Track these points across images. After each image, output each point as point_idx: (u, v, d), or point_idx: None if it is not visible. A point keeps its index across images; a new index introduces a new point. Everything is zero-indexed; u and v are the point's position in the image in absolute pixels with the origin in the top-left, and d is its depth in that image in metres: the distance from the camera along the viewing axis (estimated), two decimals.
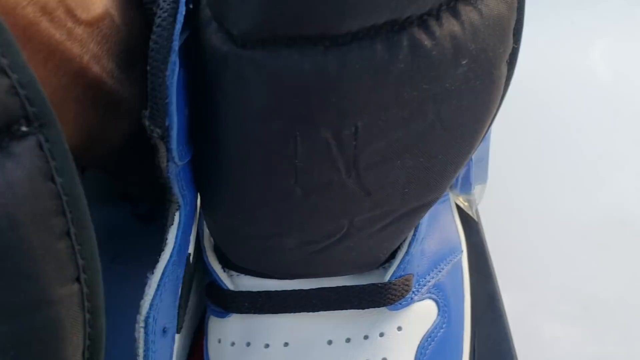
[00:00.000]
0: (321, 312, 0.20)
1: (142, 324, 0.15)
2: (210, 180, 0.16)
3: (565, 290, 0.33)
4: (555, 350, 0.31)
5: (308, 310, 0.19)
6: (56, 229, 0.11)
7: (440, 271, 0.22)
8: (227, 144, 0.15)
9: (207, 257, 0.20)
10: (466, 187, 0.25)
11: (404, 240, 0.19)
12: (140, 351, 0.16)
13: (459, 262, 0.24)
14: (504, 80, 0.15)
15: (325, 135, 0.14)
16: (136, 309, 0.16)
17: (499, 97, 0.15)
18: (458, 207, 0.26)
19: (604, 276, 0.33)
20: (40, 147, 0.11)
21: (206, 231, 0.20)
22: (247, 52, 0.13)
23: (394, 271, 0.19)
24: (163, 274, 0.16)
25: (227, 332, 0.20)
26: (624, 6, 0.45)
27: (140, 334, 0.15)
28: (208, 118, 0.15)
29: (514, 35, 0.14)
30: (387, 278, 0.19)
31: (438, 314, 0.21)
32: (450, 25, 0.13)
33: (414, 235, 0.19)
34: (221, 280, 0.19)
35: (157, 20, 0.14)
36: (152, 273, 0.16)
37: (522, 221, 0.35)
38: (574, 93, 0.40)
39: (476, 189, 0.25)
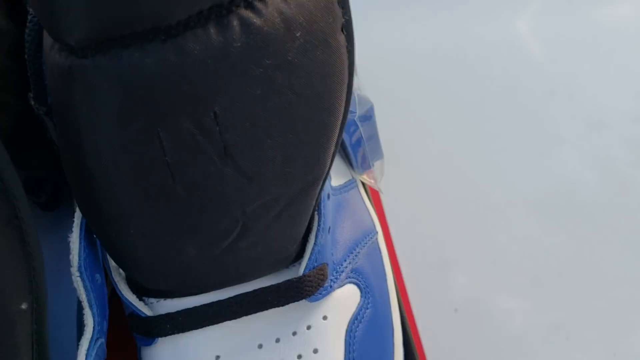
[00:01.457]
0: (245, 318, 0.20)
1: (77, 274, 0.18)
2: (91, 203, 0.16)
3: (513, 264, 0.34)
4: (510, 324, 0.33)
5: (230, 319, 0.19)
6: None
7: (356, 255, 0.23)
8: (94, 159, 0.15)
9: (119, 290, 0.19)
10: (365, 165, 0.26)
11: (310, 232, 0.20)
12: (83, 296, 0.18)
13: (375, 243, 0.25)
14: (345, 49, 0.16)
15: (187, 126, 0.14)
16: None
17: (346, 66, 0.16)
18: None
19: (550, 246, 0.35)
20: None
21: (113, 263, 0.20)
22: (89, 61, 0.13)
23: (307, 264, 0.20)
24: (80, 229, 0.18)
25: (158, 359, 0.20)
26: None
27: (78, 282, 0.18)
28: (71, 142, 0.15)
29: (341, 6, 0.15)
30: (301, 272, 0.20)
31: (361, 296, 0.22)
32: (274, 2, 0.14)
33: (319, 225, 0.20)
34: (139, 309, 0.19)
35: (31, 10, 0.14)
36: (71, 231, 0.18)
37: (463, 198, 0.36)
38: (505, 69, 0.41)
39: (376, 165, 0.26)
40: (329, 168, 0.18)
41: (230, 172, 0.15)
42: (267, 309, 0.20)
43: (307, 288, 0.20)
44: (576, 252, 0.35)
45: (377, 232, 0.25)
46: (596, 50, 0.42)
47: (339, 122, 0.17)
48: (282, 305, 0.20)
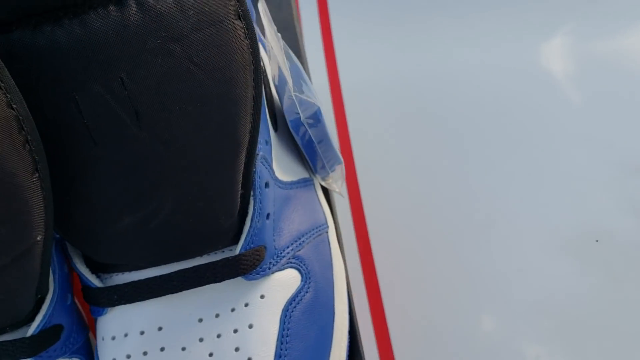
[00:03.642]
0: (188, 294, 0.22)
1: None
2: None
3: (540, 307, 0.33)
4: None
5: (172, 292, 0.21)
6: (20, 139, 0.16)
7: (301, 244, 0.25)
8: (38, 123, 0.18)
9: (74, 263, 0.22)
10: (322, 171, 0.28)
11: (247, 215, 0.22)
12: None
13: (325, 236, 0.26)
14: (243, 33, 0.19)
15: (98, 90, 0.17)
16: None
17: (246, 47, 0.19)
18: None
19: (580, 291, 0.34)
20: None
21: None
22: (14, 35, 0.16)
23: (242, 244, 0.22)
24: None
25: (107, 328, 0.22)
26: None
27: None
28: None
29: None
30: (237, 251, 0.22)
31: (301, 280, 0.24)
32: None
33: (254, 209, 0.22)
34: (90, 281, 0.22)
35: None
36: None
37: (493, 237, 0.36)
38: (540, 114, 0.42)
39: (336, 170, 0.28)
40: (252, 146, 0.20)
41: (146, 136, 0.18)
42: (205, 284, 0.21)
43: (243, 266, 0.22)
44: (607, 299, 0.34)
45: (327, 227, 0.27)
46: (631, 92, 0.42)
47: (248, 97, 0.19)
48: (219, 281, 0.22)
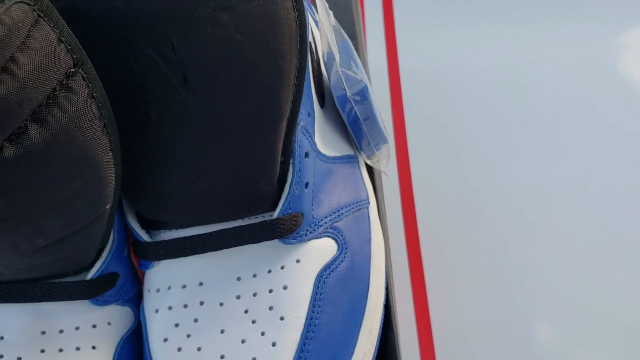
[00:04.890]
0: (228, 254, 0.23)
1: None
2: None
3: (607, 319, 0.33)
4: None
5: (213, 250, 0.23)
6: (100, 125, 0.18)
7: (339, 216, 0.25)
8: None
9: (127, 218, 0.24)
10: (368, 149, 0.28)
11: (285, 183, 0.23)
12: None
13: (365, 211, 0.27)
14: (290, 4, 0.19)
15: (150, 53, 0.18)
16: None
17: (293, 19, 0.20)
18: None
19: None
20: (83, 78, 0.17)
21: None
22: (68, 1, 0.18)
23: (280, 209, 0.23)
24: None
25: (153, 281, 0.24)
26: None
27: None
28: None
29: None
30: (275, 215, 0.23)
31: (337, 250, 0.24)
32: None
33: (293, 177, 0.23)
34: (140, 236, 0.23)
35: None
36: None
37: (563, 246, 0.36)
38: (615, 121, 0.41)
39: (381, 149, 0.29)
40: (293, 116, 0.21)
41: (193, 100, 0.19)
42: (243, 244, 0.23)
43: (280, 230, 0.23)
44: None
45: (369, 203, 0.27)
46: None
47: (292, 68, 0.20)
48: (257, 242, 0.23)
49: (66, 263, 0.21)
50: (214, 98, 0.20)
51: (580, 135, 0.41)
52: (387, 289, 0.27)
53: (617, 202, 0.38)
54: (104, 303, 0.23)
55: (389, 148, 0.29)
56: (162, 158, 0.21)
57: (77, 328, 0.22)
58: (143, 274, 0.25)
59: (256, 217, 0.24)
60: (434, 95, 0.45)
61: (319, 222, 0.24)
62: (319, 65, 0.27)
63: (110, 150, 0.19)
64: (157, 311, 0.23)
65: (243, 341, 0.22)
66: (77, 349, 0.22)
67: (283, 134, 0.22)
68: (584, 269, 0.35)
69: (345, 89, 0.25)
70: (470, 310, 0.35)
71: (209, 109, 0.20)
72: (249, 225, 0.23)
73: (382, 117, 0.30)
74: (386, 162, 0.30)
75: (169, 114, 0.20)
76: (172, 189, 0.22)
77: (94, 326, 0.23)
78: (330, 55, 0.26)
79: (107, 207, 0.20)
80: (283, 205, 0.23)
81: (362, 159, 0.29)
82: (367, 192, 0.28)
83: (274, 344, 0.22)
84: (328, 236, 0.25)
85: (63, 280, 0.22)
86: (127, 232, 0.24)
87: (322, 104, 0.27)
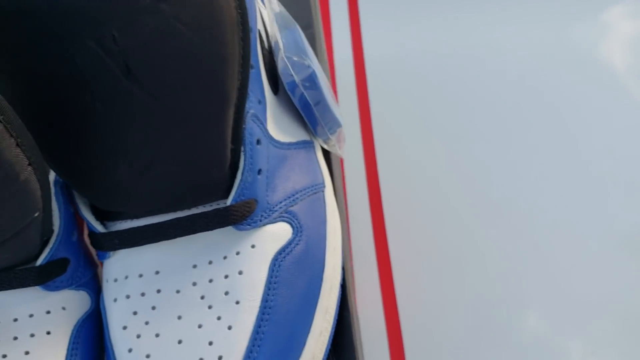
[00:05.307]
0: (184, 242, 0.24)
1: None
2: (43, 130, 0.21)
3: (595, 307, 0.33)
4: None
5: (167, 238, 0.23)
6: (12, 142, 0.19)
7: (294, 200, 0.26)
8: (29, 83, 0.19)
9: (80, 210, 0.24)
10: (322, 133, 0.29)
11: (238, 170, 0.23)
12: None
13: (321, 194, 0.28)
14: (232, 1, 0.20)
15: (92, 45, 0.19)
16: None
17: (233, 7, 0.20)
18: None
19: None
20: None
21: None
22: None
23: (233, 196, 0.23)
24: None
25: (110, 271, 0.24)
26: None
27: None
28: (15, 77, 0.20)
29: None
30: (228, 202, 0.23)
31: (292, 233, 0.25)
32: None
33: (245, 164, 0.23)
34: (94, 227, 0.24)
35: None
36: None
37: (550, 233, 0.36)
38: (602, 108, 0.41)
39: (336, 133, 0.29)
40: (241, 103, 0.22)
41: (138, 90, 0.20)
42: (197, 232, 0.23)
43: (233, 217, 0.23)
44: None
45: (324, 187, 0.28)
46: None
47: (236, 55, 0.21)
48: (210, 230, 0.23)
49: (9, 261, 0.22)
50: (158, 88, 0.20)
51: (548, 117, 0.41)
52: (343, 268, 0.27)
53: (583, 184, 0.39)
54: (57, 288, 0.23)
55: (343, 132, 0.30)
56: (110, 149, 0.21)
57: (31, 315, 0.23)
58: (102, 264, 0.25)
59: (211, 205, 0.24)
60: (400, 83, 0.45)
61: (273, 208, 0.25)
62: (270, 52, 0.28)
63: (30, 164, 0.19)
64: (115, 300, 0.24)
65: (200, 326, 0.22)
66: (32, 335, 0.22)
67: (231, 121, 0.22)
68: (550, 250, 0.36)
69: (293, 75, 0.26)
70: (437, 291, 0.36)
71: (154, 98, 0.20)
72: (202, 213, 0.23)
73: (335, 101, 0.31)
74: (341, 145, 0.30)
75: (115, 105, 0.20)
76: (122, 179, 0.22)
77: (48, 312, 0.23)
78: (276, 43, 0.27)
79: (36, 214, 0.21)
80: (236, 192, 0.23)
81: (318, 144, 0.30)
82: (322, 176, 0.28)
83: (229, 328, 0.22)
84: (283, 220, 0.25)
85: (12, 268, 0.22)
86: (76, 218, 0.25)
87: (275, 91, 0.28)
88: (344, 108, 0.44)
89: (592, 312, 0.34)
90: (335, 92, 0.45)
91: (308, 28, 0.35)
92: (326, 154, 0.31)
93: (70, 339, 0.23)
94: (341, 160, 0.42)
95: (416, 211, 0.39)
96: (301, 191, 0.26)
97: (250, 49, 0.22)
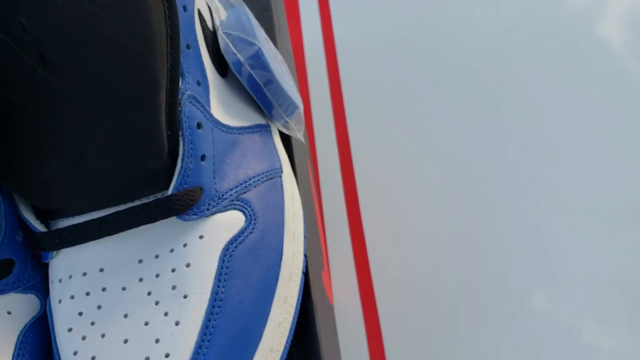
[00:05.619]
0: (128, 237, 0.22)
1: None
2: None
3: (602, 281, 0.32)
4: (596, 353, 0.29)
5: (109, 234, 0.22)
6: None
7: (247, 187, 0.25)
8: None
9: (20, 210, 0.23)
10: (278, 116, 0.27)
11: (178, 157, 0.22)
12: None
13: (278, 180, 0.26)
14: None
15: (0, 37, 0.17)
16: None
17: None
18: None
19: None
20: None
21: None
22: None
23: (174, 185, 0.22)
24: None
25: (54, 272, 0.23)
26: None
27: None
28: None
29: None
30: (169, 192, 0.22)
31: (245, 221, 0.24)
32: None
33: (184, 150, 0.22)
34: (34, 226, 0.23)
35: None
36: None
37: (550, 204, 0.35)
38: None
39: (294, 115, 0.28)
40: (174, 86, 0.21)
41: (56, 80, 0.18)
42: (139, 225, 0.22)
43: (176, 206, 0.22)
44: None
45: (281, 172, 0.27)
46: None
47: (162, 35, 0.19)
48: (153, 222, 0.22)
49: None
50: (79, 75, 0.19)
51: (518, 92, 0.40)
52: (306, 256, 0.26)
53: (551, 157, 0.37)
54: (1, 292, 0.22)
55: (301, 114, 0.29)
56: (36, 145, 0.20)
57: None
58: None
59: (155, 197, 0.23)
60: (371, 63, 0.44)
61: (223, 196, 0.24)
62: (214, 32, 0.26)
63: None
64: (60, 302, 0.23)
65: (146, 323, 0.21)
66: None
67: (164, 105, 0.21)
68: (525, 223, 0.35)
69: (236, 54, 0.25)
70: (414, 274, 0.35)
71: (75, 87, 0.19)
72: (142, 204, 0.22)
73: (293, 83, 0.29)
74: (300, 128, 0.29)
75: (33, 97, 0.19)
76: (53, 176, 0.21)
77: None
78: (220, 22, 0.25)
79: None
80: (177, 180, 0.22)
81: (275, 128, 0.28)
82: (280, 161, 0.27)
83: (177, 323, 0.21)
84: (234, 209, 0.24)
85: None
86: (19, 217, 0.24)
87: (223, 73, 0.26)
88: (316, 91, 0.43)
89: (576, 288, 0.33)
90: (305, 75, 0.44)
91: (265, 10, 0.34)
92: (287, 140, 0.30)
93: (16, 345, 0.22)
94: (312, 145, 0.40)
95: (391, 193, 0.38)
96: (254, 177, 0.25)
97: (179, 27, 0.20)
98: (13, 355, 0.22)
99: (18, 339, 0.22)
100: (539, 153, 0.37)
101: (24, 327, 0.23)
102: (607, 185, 0.35)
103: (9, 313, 0.23)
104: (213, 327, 0.21)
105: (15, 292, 0.23)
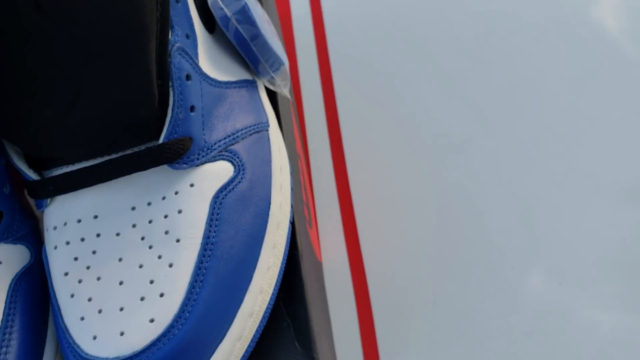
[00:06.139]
0: (122, 185, 0.23)
1: None
2: None
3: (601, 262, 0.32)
4: (594, 336, 0.29)
5: (102, 181, 0.23)
6: None
7: (235, 139, 0.25)
8: None
9: (13, 160, 0.23)
10: (264, 72, 0.28)
11: (169, 107, 0.23)
12: None
13: (265, 134, 0.27)
14: None
15: None
16: None
17: None
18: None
19: None
20: None
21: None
22: None
23: (165, 134, 0.23)
24: None
25: (49, 219, 0.24)
26: None
27: None
28: None
29: None
30: (160, 140, 0.23)
31: (234, 172, 0.25)
32: None
33: (174, 100, 0.23)
34: (28, 175, 0.23)
35: None
36: None
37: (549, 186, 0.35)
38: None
39: (279, 71, 0.29)
40: (163, 36, 0.21)
41: (49, 25, 0.19)
42: (131, 173, 0.23)
43: (167, 155, 0.23)
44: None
45: (268, 126, 0.28)
46: None
47: None
48: (144, 169, 0.23)
49: None
50: (71, 22, 0.19)
51: (512, 55, 0.41)
52: (292, 207, 0.27)
53: (549, 124, 0.38)
54: None
55: (287, 70, 0.29)
56: (29, 90, 0.21)
57: None
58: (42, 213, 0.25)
59: (146, 146, 0.24)
60: (358, 30, 0.45)
61: (212, 146, 0.24)
62: None
63: None
64: (55, 248, 0.23)
65: (141, 266, 0.22)
66: None
67: (154, 55, 0.22)
68: (512, 185, 0.36)
69: (223, 9, 0.25)
70: (401, 233, 0.36)
71: (67, 33, 0.20)
72: (134, 153, 0.23)
73: (278, 40, 0.30)
74: (286, 84, 0.30)
75: (27, 43, 0.19)
76: (46, 122, 0.21)
77: None
78: None
79: None
80: (167, 129, 0.23)
81: (262, 84, 0.29)
82: (266, 116, 0.28)
83: (170, 265, 0.22)
84: (223, 159, 0.25)
85: None
86: (8, 170, 0.24)
87: (211, 29, 0.27)
88: (303, 61, 0.44)
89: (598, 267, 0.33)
90: (293, 45, 0.45)
91: None
92: (273, 97, 0.30)
93: (8, 293, 0.23)
94: (299, 103, 0.41)
95: (378, 154, 0.39)
96: (242, 130, 0.26)
97: None
98: (5, 302, 0.23)
99: (10, 286, 0.23)
100: (534, 119, 0.38)
101: (15, 276, 0.24)
102: (606, 158, 0.36)
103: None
104: (205, 269, 0.22)
105: (5, 243, 0.24)
